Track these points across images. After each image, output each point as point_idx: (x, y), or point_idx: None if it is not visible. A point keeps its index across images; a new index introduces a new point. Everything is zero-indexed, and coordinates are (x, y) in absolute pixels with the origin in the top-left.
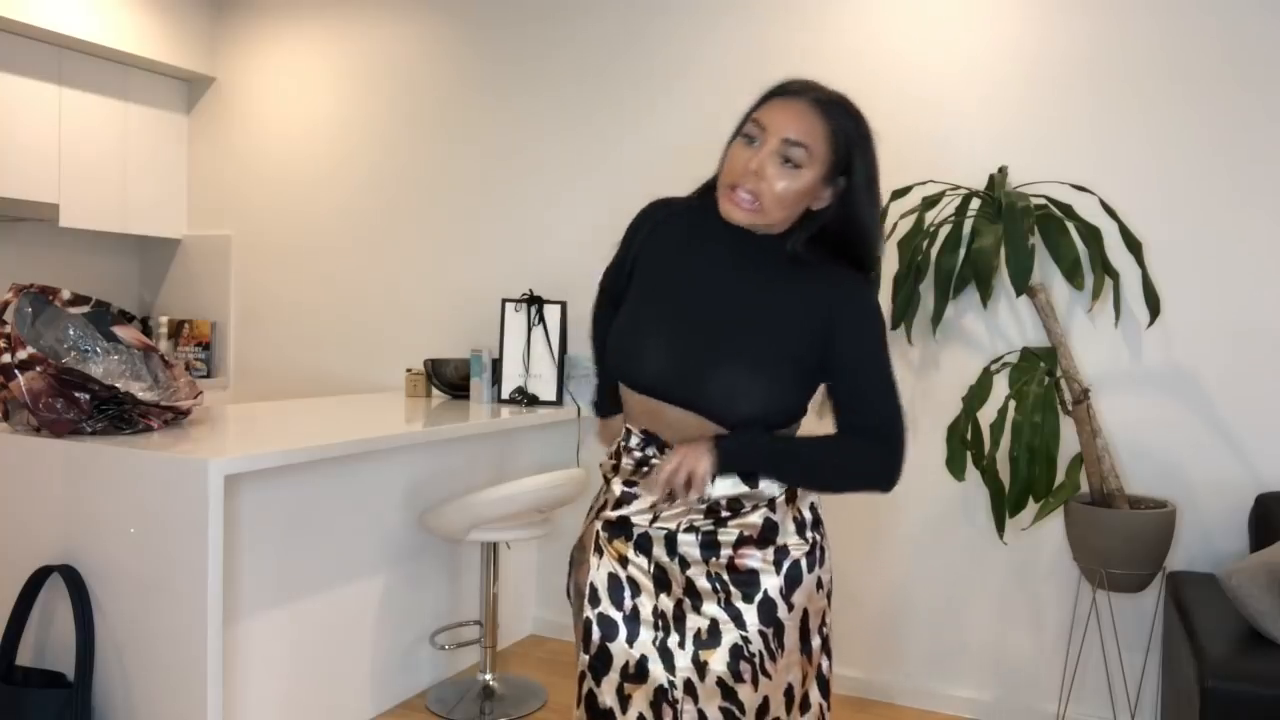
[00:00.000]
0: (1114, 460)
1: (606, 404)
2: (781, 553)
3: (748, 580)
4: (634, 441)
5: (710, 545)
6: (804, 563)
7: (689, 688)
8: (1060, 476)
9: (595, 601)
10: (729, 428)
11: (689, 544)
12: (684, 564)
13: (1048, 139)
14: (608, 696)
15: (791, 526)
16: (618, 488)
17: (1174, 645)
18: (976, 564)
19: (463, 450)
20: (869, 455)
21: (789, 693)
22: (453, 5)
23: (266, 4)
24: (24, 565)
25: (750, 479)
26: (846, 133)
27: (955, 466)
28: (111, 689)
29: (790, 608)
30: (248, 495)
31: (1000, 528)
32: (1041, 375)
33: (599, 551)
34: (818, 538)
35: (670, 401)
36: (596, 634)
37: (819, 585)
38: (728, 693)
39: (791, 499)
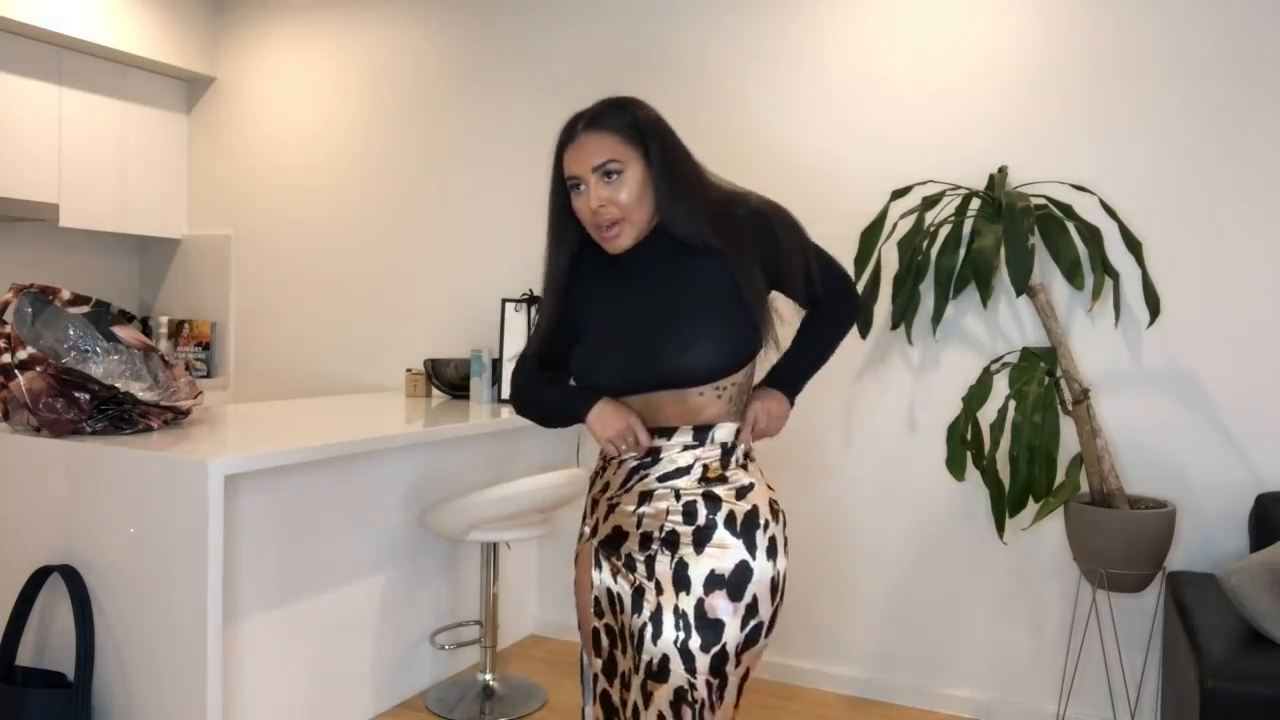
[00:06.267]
0: (1114, 460)
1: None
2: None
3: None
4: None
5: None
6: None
7: (710, 689)
8: (1060, 476)
9: (600, 614)
10: (700, 382)
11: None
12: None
13: (1048, 139)
14: (616, 696)
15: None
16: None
17: (1174, 645)
18: (976, 564)
19: (463, 450)
20: (840, 312)
21: None
22: (453, 5)
23: (266, 4)
24: (24, 565)
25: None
26: (626, 123)
27: (955, 466)
28: (111, 689)
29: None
30: (247, 495)
31: (1000, 528)
32: (1041, 375)
33: (598, 565)
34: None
35: (643, 390)
36: (605, 643)
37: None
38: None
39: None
